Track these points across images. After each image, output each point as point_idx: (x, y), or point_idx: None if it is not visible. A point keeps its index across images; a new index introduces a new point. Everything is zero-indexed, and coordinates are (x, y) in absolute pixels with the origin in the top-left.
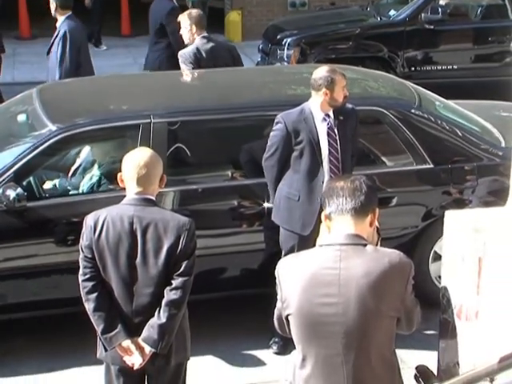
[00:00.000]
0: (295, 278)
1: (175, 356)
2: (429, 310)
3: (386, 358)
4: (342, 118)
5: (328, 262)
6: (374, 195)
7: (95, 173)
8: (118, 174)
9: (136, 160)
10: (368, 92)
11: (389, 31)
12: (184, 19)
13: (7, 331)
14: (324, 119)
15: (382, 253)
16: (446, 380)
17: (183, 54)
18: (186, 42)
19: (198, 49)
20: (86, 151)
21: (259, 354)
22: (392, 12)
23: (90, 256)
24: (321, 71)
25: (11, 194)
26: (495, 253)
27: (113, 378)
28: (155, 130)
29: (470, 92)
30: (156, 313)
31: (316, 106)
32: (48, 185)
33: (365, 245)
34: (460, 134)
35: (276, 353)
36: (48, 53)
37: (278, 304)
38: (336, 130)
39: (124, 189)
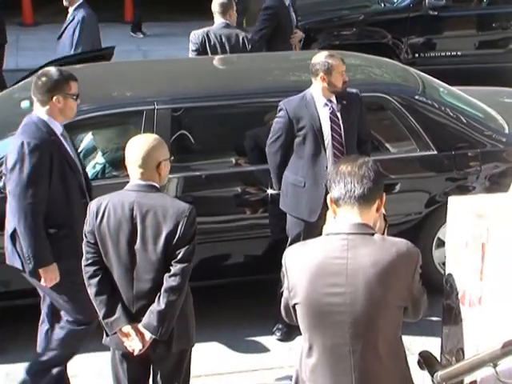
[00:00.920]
0: (302, 268)
1: (177, 343)
2: (432, 297)
3: (393, 347)
4: (345, 102)
5: (335, 252)
6: (381, 181)
7: (99, 159)
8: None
9: (139, 145)
10: (372, 78)
11: (393, 17)
12: (214, 1)
13: (12, 318)
14: (326, 104)
15: (390, 242)
16: (449, 366)
17: (194, 35)
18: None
19: (208, 32)
20: (89, 137)
21: (263, 340)
22: None
23: (92, 241)
24: (319, 57)
25: None
26: (499, 238)
27: (118, 364)
28: (159, 116)
29: (474, 78)
30: (156, 299)
31: (317, 92)
32: None
33: (372, 234)
34: (464, 120)
35: (280, 339)
36: (59, 38)
37: (285, 293)
38: (340, 115)
39: (128, 175)
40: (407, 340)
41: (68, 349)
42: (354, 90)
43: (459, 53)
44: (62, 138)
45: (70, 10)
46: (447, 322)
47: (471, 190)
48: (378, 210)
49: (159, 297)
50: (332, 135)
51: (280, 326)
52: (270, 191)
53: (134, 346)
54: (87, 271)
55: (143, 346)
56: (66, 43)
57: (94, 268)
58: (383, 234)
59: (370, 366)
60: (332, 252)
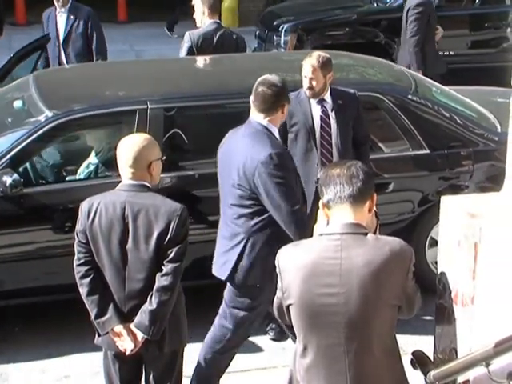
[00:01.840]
0: (295, 268)
1: (169, 343)
2: (425, 296)
3: (388, 346)
4: (340, 102)
5: (328, 252)
6: (371, 181)
7: (92, 159)
8: None
9: (129, 145)
10: (364, 78)
11: (385, 17)
12: (198, 2)
13: (5, 318)
14: (318, 103)
15: (383, 241)
16: (442, 365)
17: (191, 34)
18: (197, 25)
19: (205, 33)
20: (82, 137)
21: (256, 340)
22: None
23: (84, 241)
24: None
25: (7, 180)
26: (491, 238)
27: (110, 364)
28: (152, 115)
29: (467, 78)
30: (148, 299)
31: None
32: (44, 171)
33: (365, 234)
34: (456, 119)
35: (273, 339)
36: (64, 41)
37: (278, 293)
38: (333, 115)
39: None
40: (400, 339)
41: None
42: (351, 90)
43: (452, 52)
44: None
45: (64, 9)
46: (440, 321)
47: (464, 189)
48: (369, 210)
49: (151, 296)
50: (321, 134)
51: (273, 326)
52: None
53: (126, 345)
54: (79, 271)
55: (135, 346)
56: (77, 45)
57: (86, 268)
58: (375, 231)
59: (364, 366)
60: (325, 252)
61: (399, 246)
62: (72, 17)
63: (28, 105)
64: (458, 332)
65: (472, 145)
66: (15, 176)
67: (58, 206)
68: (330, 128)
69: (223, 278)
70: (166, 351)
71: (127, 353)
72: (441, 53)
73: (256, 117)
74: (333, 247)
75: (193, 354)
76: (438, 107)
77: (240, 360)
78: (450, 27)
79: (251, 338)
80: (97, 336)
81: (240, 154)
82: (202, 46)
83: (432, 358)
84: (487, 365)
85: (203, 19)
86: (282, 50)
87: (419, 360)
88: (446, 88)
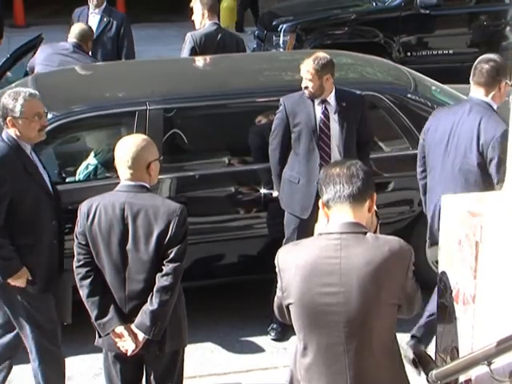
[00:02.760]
0: (295, 267)
1: (170, 343)
2: (426, 296)
3: (388, 346)
4: (344, 104)
5: (328, 251)
6: (370, 180)
7: (91, 160)
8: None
9: (128, 146)
10: (364, 77)
11: (384, 16)
12: (197, 4)
13: None
14: (319, 104)
15: (383, 241)
16: (444, 364)
17: (193, 35)
18: (197, 27)
19: (207, 34)
20: (82, 138)
21: (257, 340)
22: None
23: (83, 243)
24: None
25: None
26: (492, 237)
27: (110, 365)
28: (151, 116)
29: (466, 77)
30: (148, 299)
31: None
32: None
33: (365, 233)
34: None
35: (274, 339)
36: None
37: (278, 293)
38: (336, 117)
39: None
40: (401, 338)
41: None
42: (358, 92)
43: (451, 51)
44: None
45: (98, 10)
46: (441, 320)
47: None
48: (369, 210)
49: (151, 297)
50: (320, 136)
51: (274, 326)
52: (263, 191)
53: (127, 346)
54: (79, 272)
55: (136, 347)
56: (107, 47)
57: (86, 269)
58: (376, 231)
59: (364, 365)
60: (325, 252)
61: (399, 245)
62: (105, 19)
63: None
64: (459, 331)
65: None
66: None
67: None
68: (329, 130)
69: None
70: (166, 351)
71: (128, 353)
72: (440, 52)
73: (476, 93)
74: (332, 246)
75: (193, 354)
76: (437, 106)
77: (241, 360)
78: (448, 26)
79: (252, 338)
80: (97, 337)
81: (468, 129)
82: (205, 47)
83: (434, 357)
84: (489, 363)
85: (203, 21)
86: (281, 50)
87: (420, 359)
88: (445, 87)
